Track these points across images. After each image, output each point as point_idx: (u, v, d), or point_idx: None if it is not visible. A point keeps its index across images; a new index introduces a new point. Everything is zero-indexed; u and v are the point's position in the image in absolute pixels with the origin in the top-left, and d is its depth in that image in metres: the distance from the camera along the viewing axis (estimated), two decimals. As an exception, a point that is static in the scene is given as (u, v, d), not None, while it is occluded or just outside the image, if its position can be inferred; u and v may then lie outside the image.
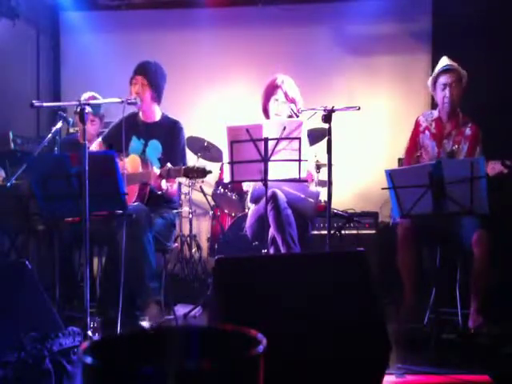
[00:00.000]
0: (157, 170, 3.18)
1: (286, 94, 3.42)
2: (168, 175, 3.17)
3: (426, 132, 3.52)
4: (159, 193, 3.28)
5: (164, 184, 3.21)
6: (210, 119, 5.19)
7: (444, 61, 3.47)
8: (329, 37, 5.46)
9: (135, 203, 3.27)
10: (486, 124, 3.59)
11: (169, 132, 3.52)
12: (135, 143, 3.52)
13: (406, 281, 3.28)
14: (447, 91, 3.41)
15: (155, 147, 3.51)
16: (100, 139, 3.62)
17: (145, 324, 3.18)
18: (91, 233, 2.67)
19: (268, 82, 3.52)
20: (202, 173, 3.09)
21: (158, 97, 3.54)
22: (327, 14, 5.49)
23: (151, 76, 3.50)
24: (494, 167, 3.01)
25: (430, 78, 3.50)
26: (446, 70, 3.42)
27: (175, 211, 3.61)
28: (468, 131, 3.45)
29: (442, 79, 3.42)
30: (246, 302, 1.84)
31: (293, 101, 3.42)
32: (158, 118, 3.60)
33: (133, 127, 3.50)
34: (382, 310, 2.00)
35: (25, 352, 1.96)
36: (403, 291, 3.29)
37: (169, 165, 3.17)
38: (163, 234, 3.39)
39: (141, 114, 3.59)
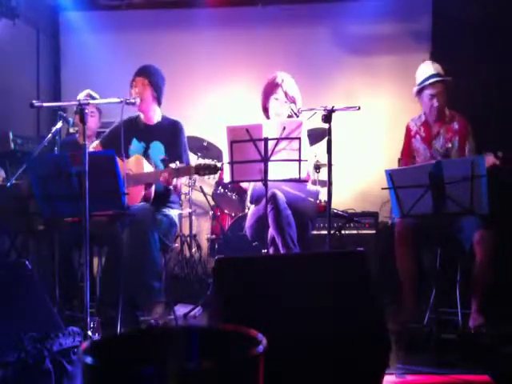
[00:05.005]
0: (164, 173, 3.19)
1: (286, 94, 3.41)
2: (177, 174, 3.19)
3: (417, 136, 3.57)
4: (170, 187, 3.30)
5: (174, 181, 3.24)
6: (210, 119, 5.19)
7: (429, 69, 3.45)
8: (329, 37, 5.46)
9: (140, 203, 3.27)
10: (484, 123, 3.60)
11: (171, 132, 3.53)
12: (135, 146, 3.52)
13: (404, 282, 3.28)
14: (435, 101, 3.44)
15: (158, 149, 3.51)
16: (98, 141, 3.62)
17: (158, 322, 3.18)
18: (92, 233, 2.67)
19: (268, 79, 3.51)
20: (214, 169, 3.13)
21: (158, 97, 3.55)
22: (327, 13, 5.49)
23: (151, 76, 3.52)
24: (487, 159, 3.02)
25: (416, 88, 3.50)
26: (433, 82, 3.42)
27: (177, 212, 3.61)
28: (456, 126, 3.49)
29: (429, 90, 3.44)
30: (246, 302, 1.84)
31: (293, 100, 3.41)
32: (158, 119, 3.61)
33: (133, 130, 3.50)
34: (382, 310, 2.00)
35: (25, 352, 1.95)
36: (402, 293, 3.29)
37: (177, 163, 3.19)
38: (165, 233, 3.39)
39: (142, 116, 3.60)
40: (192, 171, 3.20)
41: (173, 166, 3.22)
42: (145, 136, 3.54)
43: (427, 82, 3.43)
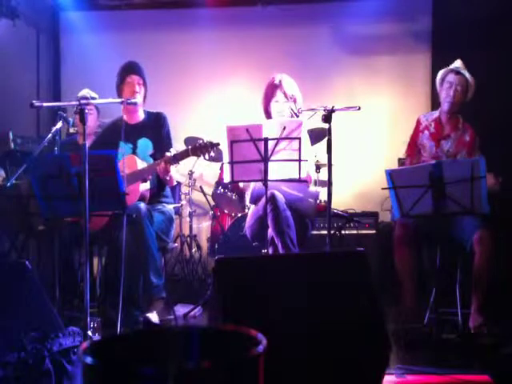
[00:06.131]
0: (161, 163, 3.19)
1: (285, 94, 3.43)
2: (174, 160, 3.19)
3: (426, 132, 3.55)
4: (167, 178, 3.30)
5: (172, 170, 3.25)
6: (210, 119, 5.19)
7: (457, 63, 3.53)
8: (329, 37, 5.46)
9: (135, 202, 3.27)
10: (484, 124, 3.60)
11: (155, 125, 3.54)
12: (123, 148, 3.49)
13: (404, 282, 3.28)
14: (451, 90, 3.45)
15: (145, 145, 3.50)
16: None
17: (153, 317, 3.18)
18: (91, 233, 2.67)
19: (266, 83, 3.53)
20: (211, 147, 3.12)
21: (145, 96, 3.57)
22: (327, 13, 5.49)
23: (144, 76, 3.52)
24: (487, 178, 3.00)
25: (440, 74, 3.53)
26: (456, 72, 3.46)
27: (172, 206, 3.61)
28: (467, 138, 3.50)
29: (450, 77, 3.47)
30: (246, 301, 1.84)
31: (293, 99, 3.43)
32: (142, 116, 3.60)
33: (118, 134, 3.38)
34: (382, 309, 2.00)
35: (25, 352, 1.95)
36: (402, 293, 3.29)
37: (171, 151, 3.19)
38: (163, 230, 3.39)
39: (125, 116, 3.57)
40: (189, 153, 3.19)
41: (168, 154, 3.22)
42: (130, 136, 3.49)
43: (451, 67, 3.48)
